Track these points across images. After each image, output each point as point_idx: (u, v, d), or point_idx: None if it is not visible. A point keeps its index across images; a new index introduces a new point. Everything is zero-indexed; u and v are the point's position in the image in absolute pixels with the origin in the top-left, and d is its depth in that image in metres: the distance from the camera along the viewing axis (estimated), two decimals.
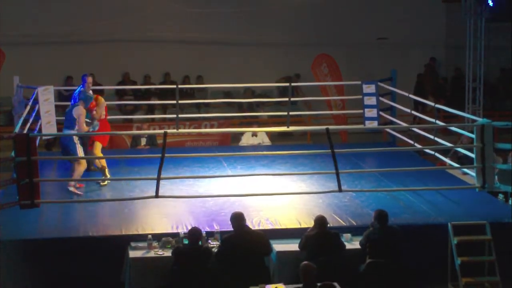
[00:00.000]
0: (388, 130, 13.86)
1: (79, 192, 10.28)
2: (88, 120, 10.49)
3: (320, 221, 8.27)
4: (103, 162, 10.80)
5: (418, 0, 18.17)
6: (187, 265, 7.85)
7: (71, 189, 10.27)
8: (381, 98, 13.66)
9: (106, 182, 10.67)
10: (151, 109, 16.95)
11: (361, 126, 14.06)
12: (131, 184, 10.57)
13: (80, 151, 10.31)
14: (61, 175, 11.45)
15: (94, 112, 10.65)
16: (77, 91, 11.27)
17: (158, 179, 8.64)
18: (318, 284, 6.91)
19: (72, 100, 11.16)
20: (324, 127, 8.97)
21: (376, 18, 17.99)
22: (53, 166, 11.78)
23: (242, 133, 14.52)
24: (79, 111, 10.37)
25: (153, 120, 16.36)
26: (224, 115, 15.34)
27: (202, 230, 8.28)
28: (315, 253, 7.88)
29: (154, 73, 17.37)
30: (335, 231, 8.41)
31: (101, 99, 11.05)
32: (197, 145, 15.44)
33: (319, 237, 8.14)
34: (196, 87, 16.70)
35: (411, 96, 13.31)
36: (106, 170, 10.81)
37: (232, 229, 8.26)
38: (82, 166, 10.40)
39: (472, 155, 9.53)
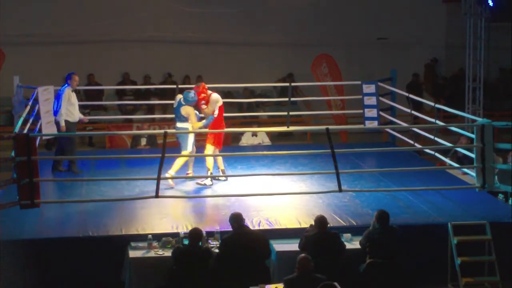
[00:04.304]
0: (388, 130, 13.87)
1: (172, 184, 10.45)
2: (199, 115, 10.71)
3: (320, 221, 8.26)
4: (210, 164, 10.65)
5: (418, 0, 18.16)
6: (187, 266, 7.84)
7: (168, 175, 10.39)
8: (381, 98, 13.67)
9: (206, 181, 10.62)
10: (151, 109, 16.95)
11: (361, 126, 14.07)
12: (131, 184, 10.57)
13: (190, 146, 10.45)
14: (61, 175, 11.45)
15: (204, 107, 10.65)
16: (60, 91, 11.41)
17: (158, 179, 8.64)
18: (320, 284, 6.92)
19: (56, 99, 11.39)
20: (324, 127, 8.98)
21: (376, 18, 17.98)
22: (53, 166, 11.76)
23: (242, 133, 14.53)
24: (188, 110, 10.54)
25: (153, 120, 16.35)
26: (224, 115, 15.31)
27: (202, 230, 8.27)
28: (315, 253, 7.88)
29: (154, 73, 17.36)
30: (335, 231, 8.41)
31: (214, 96, 10.73)
32: (197, 145, 15.34)
33: (319, 237, 8.13)
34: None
35: (411, 96, 13.31)
36: (210, 171, 10.61)
37: (231, 229, 8.26)
38: (182, 160, 10.50)
39: (472, 155, 9.53)
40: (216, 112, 10.62)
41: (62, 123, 11.31)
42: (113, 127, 15.67)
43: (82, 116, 11.81)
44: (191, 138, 10.49)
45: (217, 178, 10.77)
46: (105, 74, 16.79)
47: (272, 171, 11.43)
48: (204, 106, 10.66)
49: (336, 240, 8.26)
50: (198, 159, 11.09)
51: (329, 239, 8.19)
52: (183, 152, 10.43)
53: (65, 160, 11.45)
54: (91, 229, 8.68)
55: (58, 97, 11.41)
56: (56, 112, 11.39)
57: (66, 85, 11.44)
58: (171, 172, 10.31)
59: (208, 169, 10.53)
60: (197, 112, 10.74)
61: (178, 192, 10.27)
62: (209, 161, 10.59)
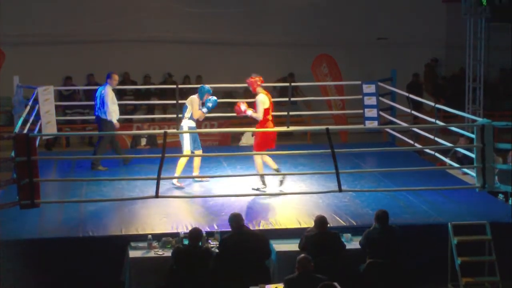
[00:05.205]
0: (388, 130, 13.86)
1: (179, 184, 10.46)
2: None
3: (320, 221, 8.26)
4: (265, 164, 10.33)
5: (418, 0, 18.16)
6: (187, 266, 7.84)
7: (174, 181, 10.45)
8: (381, 98, 13.67)
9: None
10: (151, 109, 16.95)
11: (361, 126, 14.07)
12: (131, 184, 10.57)
13: (187, 144, 10.39)
14: (61, 175, 11.46)
15: (253, 110, 10.37)
16: (100, 89, 11.54)
17: (158, 179, 8.63)
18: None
19: (98, 99, 11.45)
20: (324, 127, 8.98)
21: (376, 18, 17.99)
22: (53, 166, 11.77)
23: (242, 133, 14.53)
24: (192, 100, 10.58)
25: (153, 120, 16.36)
26: (224, 115, 15.34)
27: (202, 230, 8.27)
28: (316, 253, 7.88)
29: (154, 73, 17.35)
30: (335, 231, 8.40)
31: (260, 97, 10.34)
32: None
33: (319, 238, 8.13)
34: (196, 87, 16.65)
35: (411, 96, 13.31)
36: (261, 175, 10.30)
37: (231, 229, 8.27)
38: (183, 161, 10.47)
39: (472, 155, 9.53)
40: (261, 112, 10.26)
41: (115, 120, 11.48)
42: None
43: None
44: (187, 136, 10.45)
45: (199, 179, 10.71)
46: (105, 74, 16.72)
47: (272, 171, 11.41)
48: (253, 110, 10.38)
49: (336, 240, 8.25)
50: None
51: (329, 239, 8.18)
52: (185, 152, 10.42)
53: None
54: (91, 229, 8.68)
55: (101, 97, 11.47)
56: (105, 112, 11.44)
57: (106, 84, 11.51)
58: (176, 175, 10.37)
59: (260, 174, 10.25)
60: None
61: (180, 192, 10.27)
62: (257, 163, 10.31)
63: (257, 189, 10.17)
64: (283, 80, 16.71)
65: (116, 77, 11.73)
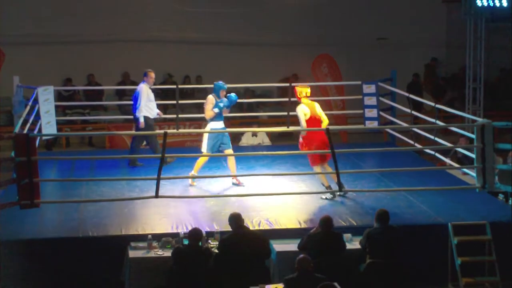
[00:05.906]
0: (388, 130, 13.86)
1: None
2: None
3: (324, 221, 8.25)
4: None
5: (418, 0, 18.16)
6: (187, 266, 7.85)
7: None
8: (381, 98, 13.67)
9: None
10: None
11: (361, 126, 14.07)
12: (131, 184, 10.57)
13: (205, 146, 10.40)
14: (61, 175, 11.46)
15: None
16: (138, 88, 11.60)
17: (158, 179, 8.64)
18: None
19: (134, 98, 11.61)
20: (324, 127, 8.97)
21: (376, 18, 17.98)
22: (53, 166, 11.77)
23: (242, 133, 14.52)
24: (207, 100, 10.51)
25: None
26: (224, 115, 15.34)
27: (202, 230, 8.27)
28: (317, 253, 7.88)
29: (154, 73, 17.32)
30: (338, 231, 8.40)
31: (298, 109, 10.17)
32: (197, 145, 15.38)
33: (323, 238, 8.13)
34: (196, 87, 16.68)
35: (412, 96, 13.31)
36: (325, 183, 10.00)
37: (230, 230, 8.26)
38: (201, 160, 10.49)
39: (472, 155, 9.53)
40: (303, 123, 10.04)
41: (141, 119, 11.47)
42: (113, 127, 15.67)
43: (157, 111, 11.93)
44: (205, 138, 10.46)
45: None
46: (105, 74, 16.78)
47: (272, 171, 11.43)
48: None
49: (339, 240, 8.25)
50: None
51: (333, 239, 8.18)
52: (203, 152, 10.40)
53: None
54: (91, 229, 8.68)
55: (136, 94, 11.55)
56: (135, 109, 11.49)
57: (143, 82, 11.56)
58: (192, 172, 10.44)
59: (323, 182, 10.04)
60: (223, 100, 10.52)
61: (176, 192, 10.26)
62: (319, 176, 10.07)
63: (325, 198, 9.89)
64: (286, 81, 16.70)
65: (152, 75, 11.76)
